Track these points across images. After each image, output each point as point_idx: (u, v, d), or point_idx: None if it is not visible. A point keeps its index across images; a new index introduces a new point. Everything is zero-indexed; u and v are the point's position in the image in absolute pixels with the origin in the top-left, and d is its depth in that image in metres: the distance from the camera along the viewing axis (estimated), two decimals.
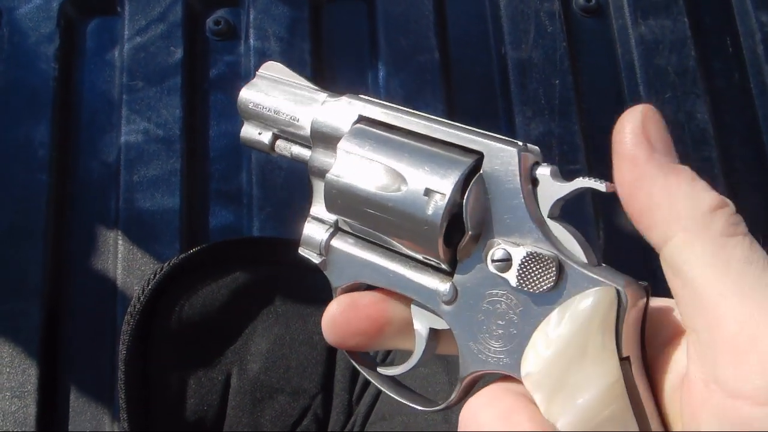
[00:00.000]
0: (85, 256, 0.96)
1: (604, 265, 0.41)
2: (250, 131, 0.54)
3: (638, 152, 0.38)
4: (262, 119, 0.53)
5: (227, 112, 1.04)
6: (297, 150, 0.52)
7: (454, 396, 0.46)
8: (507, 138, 0.44)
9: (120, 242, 0.95)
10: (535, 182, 0.43)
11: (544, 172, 0.43)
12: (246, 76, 1.05)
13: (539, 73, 1.03)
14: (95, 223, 0.98)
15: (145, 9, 1.08)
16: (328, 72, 1.06)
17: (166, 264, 0.81)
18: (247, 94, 0.54)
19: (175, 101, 1.03)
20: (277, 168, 0.99)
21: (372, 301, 0.48)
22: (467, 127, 0.45)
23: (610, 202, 0.95)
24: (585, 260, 0.41)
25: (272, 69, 0.55)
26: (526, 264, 0.41)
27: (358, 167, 0.46)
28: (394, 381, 0.52)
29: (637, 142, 0.39)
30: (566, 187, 0.42)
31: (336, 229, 0.49)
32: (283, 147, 0.53)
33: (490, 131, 0.44)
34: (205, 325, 0.81)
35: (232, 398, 0.80)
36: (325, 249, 0.49)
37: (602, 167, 0.97)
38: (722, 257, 0.36)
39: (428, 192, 0.43)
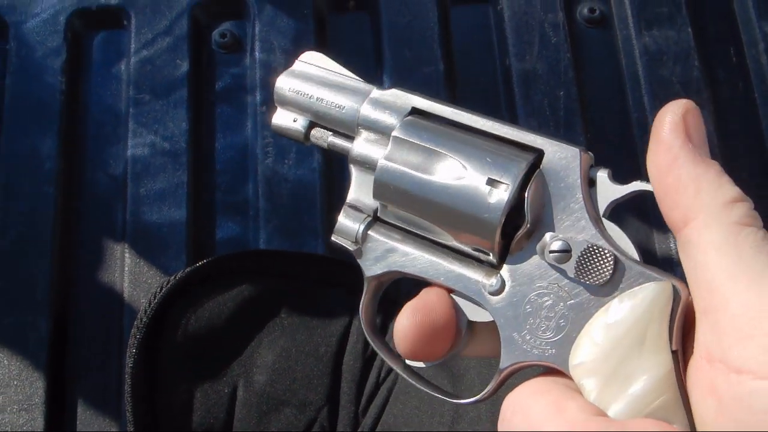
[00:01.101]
0: (92, 268, 0.97)
1: (649, 265, 0.43)
2: (284, 117, 0.54)
3: (674, 139, 0.41)
4: (300, 106, 0.53)
5: (233, 125, 1.04)
6: (335, 140, 0.52)
7: (490, 387, 0.47)
8: (572, 144, 0.46)
9: (127, 255, 0.96)
10: (592, 183, 0.45)
11: (602, 174, 0.45)
12: (252, 88, 1.05)
13: (544, 84, 1.03)
14: (102, 235, 0.98)
15: (151, 22, 1.08)
16: None
17: (172, 277, 0.82)
18: (286, 80, 0.54)
19: (181, 114, 1.03)
20: (283, 180, 0.99)
21: (440, 300, 0.48)
22: (526, 128, 0.47)
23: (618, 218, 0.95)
24: (638, 258, 0.43)
25: (313, 58, 0.55)
26: (585, 256, 0.42)
27: (415, 155, 0.47)
28: (420, 376, 0.52)
29: (675, 131, 0.42)
30: (622, 189, 0.44)
31: (374, 219, 0.50)
32: (319, 136, 0.53)
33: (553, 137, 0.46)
34: (212, 337, 0.81)
35: (239, 411, 0.81)
36: (362, 238, 0.49)
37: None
38: (735, 244, 0.39)
39: (491, 182, 0.44)
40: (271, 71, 1.05)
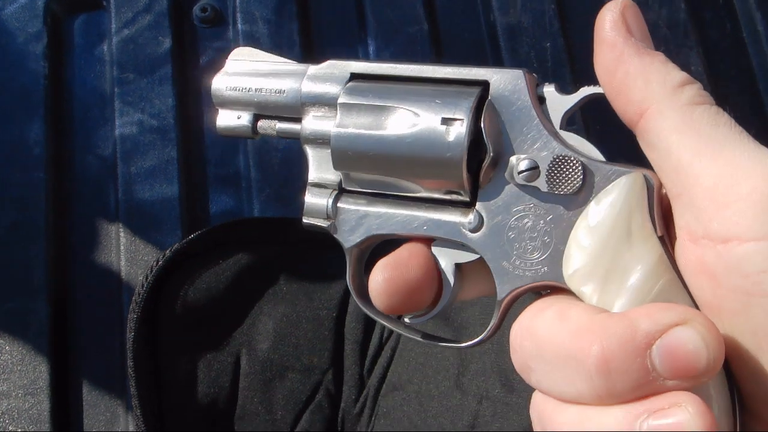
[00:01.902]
0: (88, 250, 0.96)
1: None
2: (227, 118, 0.54)
3: (617, 36, 0.42)
4: (240, 102, 0.53)
5: None
6: (283, 125, 0.52)
7: (494, 320, 0.47)
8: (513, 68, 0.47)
9: (122, 234, 0.95)
10: (542, 100, 0.45)
11: (549, 89, 0.46)
12: None
13: (529, 37, 1.02)
14: (96, 216, 0.98)
15: (130, 1, 1.07)
16: (317, 50, 1.05)
17: (168, 250, 0.81)
18: (221, 79, 0.54)
19: (167, 90, 1.02)
20: (273, 149, 0.98)
21: (413, 254, 0.48)
22: (463, 65, 0.47)
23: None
24: (603, 159, 0.44)
25: (243, 53, 0.55)
26: (553, 167, 0.43)
27: (365, 115, 0.47)
28: (420, 331, 0.52)
29: (617, 28, 0.42)
30: (572, 98, 0.45)
31: (341, 191, 0.50)
32: (267, 126, 0.53)
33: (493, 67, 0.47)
34: (211, 308, 0.81)
35: (243, 379, 0.80)
36: (333, 211, 0.49)
37: (601, 127, 0.96)
38: (691, 123, 0.40)
39: (445, 121, 0.44)
40: (255, 42, 1.04)
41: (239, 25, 1.06)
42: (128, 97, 1.02)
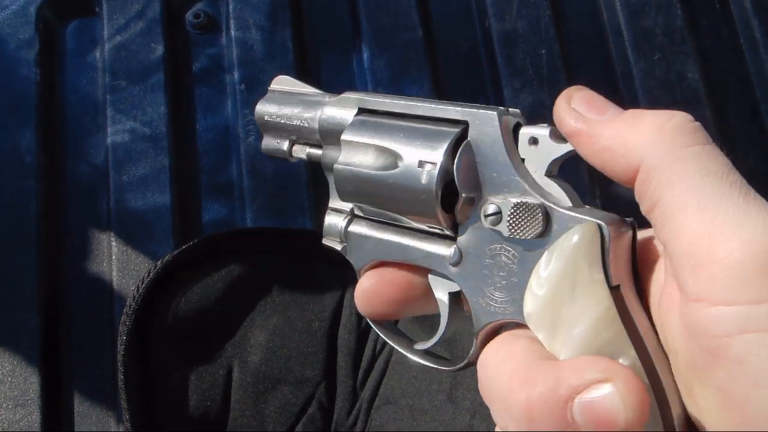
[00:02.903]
0: (80, 259, 0.95)
1: (587, 206, 0.44)
2: (269, 141, 0.59)
3: (576, 125, 0.42)
4: (277, 129, 0.58)
5: (213, 106, 1.02)
6: (311, 151, 0.57)
7: (472, 352, 0.48)
8: (492, 106, 0.47)
9: (113, 243, 0.95)
10: (535, 141, 0.45)
11: (542, 132, 0.45)
12: (230, 67, 1.04)
13: (525, 43, 1.01)
14: (87, 225, 0.97)
15: (123, 7, 1.06)
16: (312, 58, 1.04)
17: (159, 261, 0.80)
18: (262, 108, 0.59)
19: (159, 98, 1.01)
20: (266, 158, 0.97)
21: (396, 272, 0.51)
22: (455, 102, 0.49)
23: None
24: (573, 205, 0.44)
25: (282, 82, 0.60)
26: (514, 214, 0.44)
27: (360, 153, 0.50)
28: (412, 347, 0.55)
29: (571, 118, 0.42)
30: (563, 147, 0.45)
31: (352, 216, 0.54)
32: (299, 150, 0.58)
33: (479, 104, 0.47)
34: (203, 320, 0.80)
35: (235, 392, 0.80)
36: (344, 235, 0.53)
37: None
38: (679, 172, 0.38)
39: (421, 164, 0.46)
40: (247, 49, 1.04)
41: (233, 32, 1.05)
42: (120, 104, 1.01)
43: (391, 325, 0.56)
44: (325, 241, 0.55)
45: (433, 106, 0.49)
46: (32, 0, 1.07)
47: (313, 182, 0.97)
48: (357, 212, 0.53)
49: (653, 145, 0.39)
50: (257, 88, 1.01)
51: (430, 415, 0.77)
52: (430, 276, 0.50)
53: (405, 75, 1.00)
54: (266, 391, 0.80)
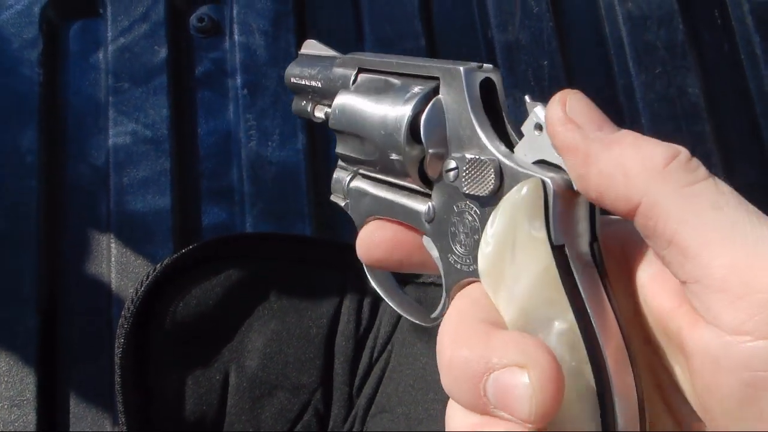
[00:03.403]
0: (79, 260, 0.95)
1: (545, 159, 0.42)
2: (297, 102, 0.61)
3: (573, 138, 0.38)
4: (301, 90, 0.60)
5: (215, 110, 1.03)
6: (329, 110, 0.57)
7: (440, 307, 0.49)
8: (464, 62, 0.46)
9: (113, 245, 0.95)
10: (539, 128, 0.42)
11: (535, 105, 0.43)
12: (233, 72, 1.04)
13: (527, 54, 1.02)
14: (87, 226, 0.97)
15: (127, 9, 1.07)
16: None
17: (158, 265, 0.80)
18: (290, 70, 0.61)
19: (161, 101, 1.02)
20: (267, 163, 0.98)
21: (395, 225, 0.51)
22: (442, 60, 0.49)
23: None
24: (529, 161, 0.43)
25: (310, 46, 0.62)
26: (468, 170, 0.43)
27: (348, 108, 0.52)
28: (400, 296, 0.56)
29: (567, 130, 0.39)
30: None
31: (355, 174, 0.55)
32: (320, 109, 0.59)
33: (459, 61, 0.46)
34: (201, 324, 0.81)
35: (231, 397, 0.80)
36: (347, 191, 0.55)
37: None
38: (692, 209, 0.36)
39: (395, 121, 0.47)
40: (251, 54, 1.04)
41: (236, 36, 1.05)
42: (122, 106, 1.02)
43: (388, 279, 0.57)
44: (332, 197, 0.57)
45: (417, 62, 0.49)
46: (36, 0, 1.08)
47: (313, 189, 0.97)
48: (359, 171, 0.54)
49: (659, 182, 0.37)
50: (260, 93, 1.02)
51: (426, 425, 0.77)
52: (423, 238, 0.50)
53: None
54: (263, 397, 0.80)
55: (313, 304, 0.83)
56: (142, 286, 0.79)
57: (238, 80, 1.03)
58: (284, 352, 0.81)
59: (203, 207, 0.98)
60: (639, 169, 0.37)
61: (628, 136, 0.38)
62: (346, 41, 1.06)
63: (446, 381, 0.39)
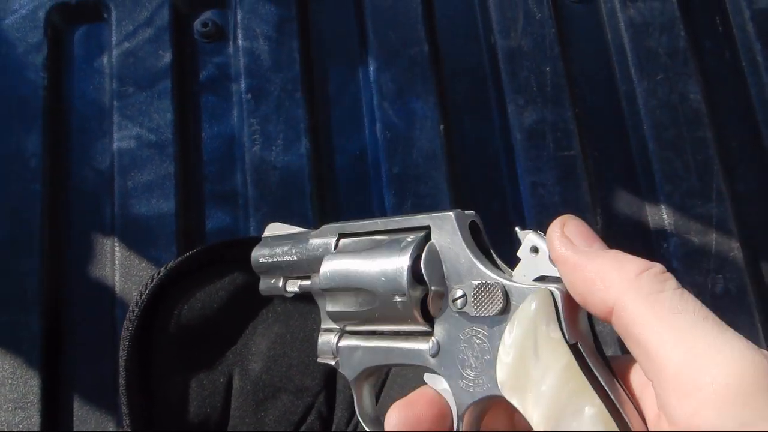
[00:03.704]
0: (83, 263, 0.96)
1: (545, 276, 0.49)
2: (265, 282, 0.66)
3: (565, 252, 0.46)
4: (272, 268, 0.64)
5: (219, 114, 1.03)
6: (303, 283, 0.63)
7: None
8: (449, 210, 0.53)
9: (117, 248, 0.95)
10: (536, 251, 0.49)
11: (545, 247, 0.49)
12: (236, 76, 1.04)
13: (530, 61, 1.02)
14: (91, 230, 0.98)
15: (131, 14, 1.07)
16: (318, 69, 1.05)
17: (163, 268, 0.81)
18: (256, 252, 0.66)
19: (166, 105, 1.02)
20: (271, 167, 0.98)
21: (423, 393, 0.54)
22: (419, 213, 0.55)
23: (608, 191, 0.95)
24: (530, 280, 0.49)
25: (273, 228, 0.68)
26: (476, 294, 0.49)
27: (339, 272, 0.56)
28: None
29: (563, 245, 0.47)
30: (557, 271, 0.50)
31: (342, 332, 0.59)
32: (292, 284, 0.64)
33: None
34: (205, 327, 0.81)
35: (235, 399, 0.80)
36: (336, 351, 0.59)
37: (596, 152, 0.97)
38: (655, 313, 0.42)
39: (395, 269, 0.52)
40: (255, 59, 1.05)
41: (240, 41, 1.06)
42: (127, 110, 1.02)
43: None
44: (319, 359, 0.61)
45: (401, 218, 0.55)
46: (41, 5, 1.08)
47: (317, 193, 0.97)
48: (346, 328, 0.59)
49: (630, 288, 0.43)
50: (263, 98, 1.02)
51: None
52: (425, 375, 0.54)
53: (410, 89, 1.01)
54: (266, 400, 0.80)
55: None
56: (146, 289, 0.79)
57: (242, 85, 1.03)
58: (288, 355, 0.82)
59: (207, 211, 0.98)
60: (614, 277, 0.44)
61: (611, 252, 0.46)
62: (349, 48, 1.06)
63: None
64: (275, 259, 0.64)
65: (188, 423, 0.79)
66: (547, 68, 1.01)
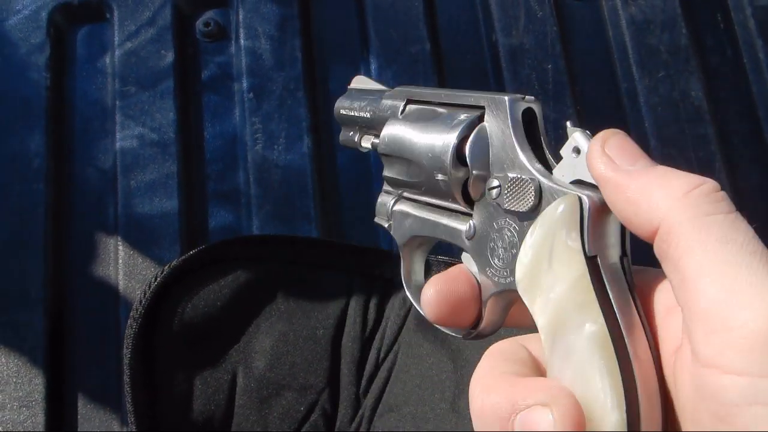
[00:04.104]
0: (86, 263, 0.96)
1: (582, 181, 0.46)
2: (344, 133, 0.65)
3: (606, 172, 0.43)
4: (349, 121, 0.64)
5: (221, 113, 1.03)
6: (375, 141, 0.62)
7: (483, 322, 0.52)
8: (509, 93, 0.51)
9: (120, 248, 0.95)
10: (577, 152, 0.47)
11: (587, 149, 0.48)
12: (239, 75, 1.05)
13: (531, 58, 1.03)
14: (95, 230, 0.98)
15: (133, 14, 1.08)
16: (320, 68, 1.05)
17: (166, 266, 0.81)
18: (339, 103, 0.66)
19: (168, 104, 1.02)
20: (273, 166, 0.98)
21: (462, 271, 0.53)
22: (483, 91, 0.53)
23: None
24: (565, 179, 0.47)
25: (359, 81, 0.67)
26: (510, 187, 0.48)
27: (394, 140, 0.56)
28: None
29: (602, 163, 0.43)
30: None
31: (399, 197, 0.59)
32: (366, 139, 0.63)
33: (502, 92, 0.51)
34: (208, 325, 0.81)
35: (239, 397, 0.80)
36: (390, 214, 0.59)
37: None
38: (699, 239, 0.38)
39: (442, 145, 0.51)
40: (257, 58, 1.05)
41: (242, 41, 1.06)
42: (129, 110, 1.02)
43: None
44: (376, 220, 0.60)
45: (462, 93, 0.53)
46: (44, 5, 1.09)
47: (319, 192, 0.97)
48: (404, 194, 0.58)
49: (677, 208, 0.40)
50: (265, 97, 1.02)
51: (433, 424, 0.78)
52: (462, 255, 0.53)
53: None
54: (270, 397, 0.81)
55: (320, 305, 0.84)
56: (150, 287, 0.80)
57: (244, 84, 1.03)
58: (291, 352, 0.82)
59: (210, 210, 0.99)
60: (660, 196, 0.40)
61: (657, 169, 0.42)
62: (351, 46, 1.06)
63: (477, 425, 0.44)
64: (353, 114, 0.63)
65: (193, 420, 0.79)
66: (549, 66, 1.02)
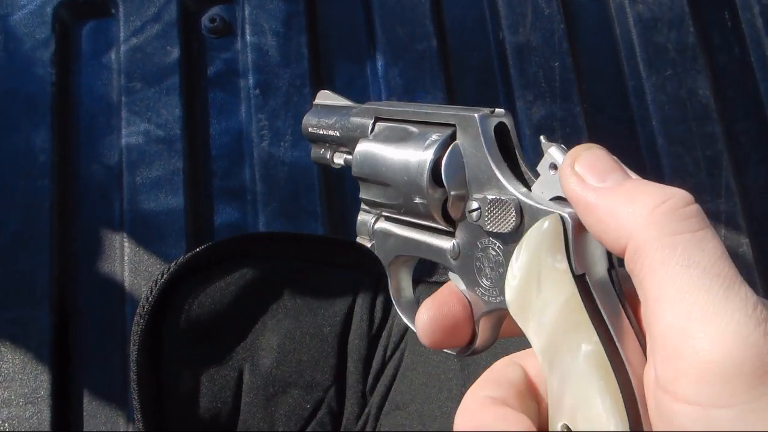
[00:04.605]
0: (92, 259, 0.96)
1: (560, 196, 0.45)
2: (315, 151, 0.64)
3: (575, 191, 0.42)
4: (319, 139, 0.63)
5: (227, 110, 1.03)
6: (348, 157, 0.61)
7: (477, 340, 0.51)
8: (478, 108, 0.50)
9: (126, 244, 0.95)
10: (554, 168, 0.46)
11: (552, 150, 0.46)
12: (244, 72, 1.04)
13: (538, 56, 1.02)
14: (100, 226, 0.98)
15: (139, 9, 1.07)
16: (326, 64, 1.05)
17: (173, 263, 0.81)
18: (306, 120, 0.64)
19: (174, 101, 1.02)
20: (280, 163, 0.98)
21: (452, 291, 0.52)
22: (454, 106, 0.52)
23: None
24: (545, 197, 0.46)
25: (323, 96, 0.66)
26: (490, 209, 0.47)
27: (367, 162, 0.55)
28: None
29: (574, 182, 0.42)
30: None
31: (379, 215, 0.57)
32: (338, 157, 0.62)
33: (470, 107, 0.50)
34: (215, 322, 0.81)
35: (246, 394, 0.80)
36: (372, 233, 0.57)
37: (605, 148, 0.96)
38: (663, 260, 0.37)
39: (417, 168, 0.50)
40: (263, 54, 1.04)
41: (248, 37, 1.06)
42: (135, 106, 1.02)
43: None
44: (358, 239, 0.59)
45: (431, 111, 0.52)
46: (49, 0, 1.08)
47: (325, 189, 0.97)
48: (383, 213, 0.57)
49: (642, 227, 0.38)
50: (272, 94, 1.02)
51: (440, 422, 0.77)
52: (450, 274, 0.53)
53: (418, 84, 1.01)
54: (276, 395, 0.81)
55: (327, 303, 0.84)
56: (156, 284, 0.79)
57: (250, 80, 1.03)
58: (298, 350, 0.82)
59: (216, 206, 0.98)
60: (626, 214, 0.39)
61: (627, 184, 0.41)
62: (357, 42, 1.06)
63: None
64: (321, 132, 0.62)
65: (199, 417, 0.79)
66: (556, 64, 1.01)
